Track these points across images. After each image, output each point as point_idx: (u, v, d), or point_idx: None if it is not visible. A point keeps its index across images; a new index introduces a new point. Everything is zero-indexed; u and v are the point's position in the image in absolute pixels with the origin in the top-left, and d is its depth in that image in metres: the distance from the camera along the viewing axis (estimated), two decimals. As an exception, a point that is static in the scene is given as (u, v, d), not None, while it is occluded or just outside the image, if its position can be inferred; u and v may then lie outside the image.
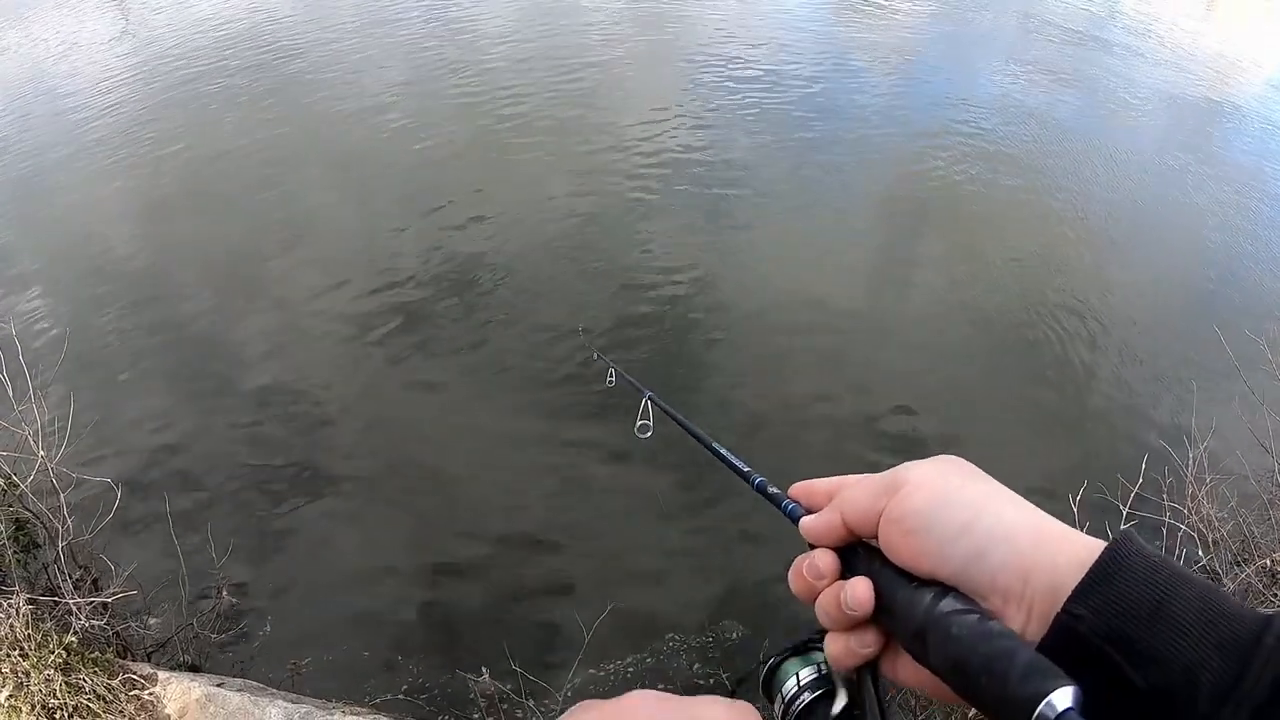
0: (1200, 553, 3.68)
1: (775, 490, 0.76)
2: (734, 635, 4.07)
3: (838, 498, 0.62)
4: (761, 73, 10.35)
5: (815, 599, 0.60)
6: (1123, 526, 3.51)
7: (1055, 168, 8.58)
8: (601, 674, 3.92)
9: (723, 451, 1.00)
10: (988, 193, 8.05)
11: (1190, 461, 3.72)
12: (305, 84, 10.36)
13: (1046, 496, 4.44)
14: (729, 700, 0.56)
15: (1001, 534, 0.53)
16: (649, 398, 1.69)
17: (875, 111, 9.55)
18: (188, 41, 12.18)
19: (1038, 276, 6.81)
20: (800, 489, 0.70)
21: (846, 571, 0.60)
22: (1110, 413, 5.46)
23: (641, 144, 8.48)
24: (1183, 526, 3.69)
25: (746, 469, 0.89)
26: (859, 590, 0.56)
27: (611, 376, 2.33)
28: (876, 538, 0.58)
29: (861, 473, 0.63)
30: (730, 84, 10.02)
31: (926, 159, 8.51)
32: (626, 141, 8.52)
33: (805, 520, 0.63)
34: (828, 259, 6.93)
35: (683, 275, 6.63)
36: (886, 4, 13.46)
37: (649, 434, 1.72)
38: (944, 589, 0.54)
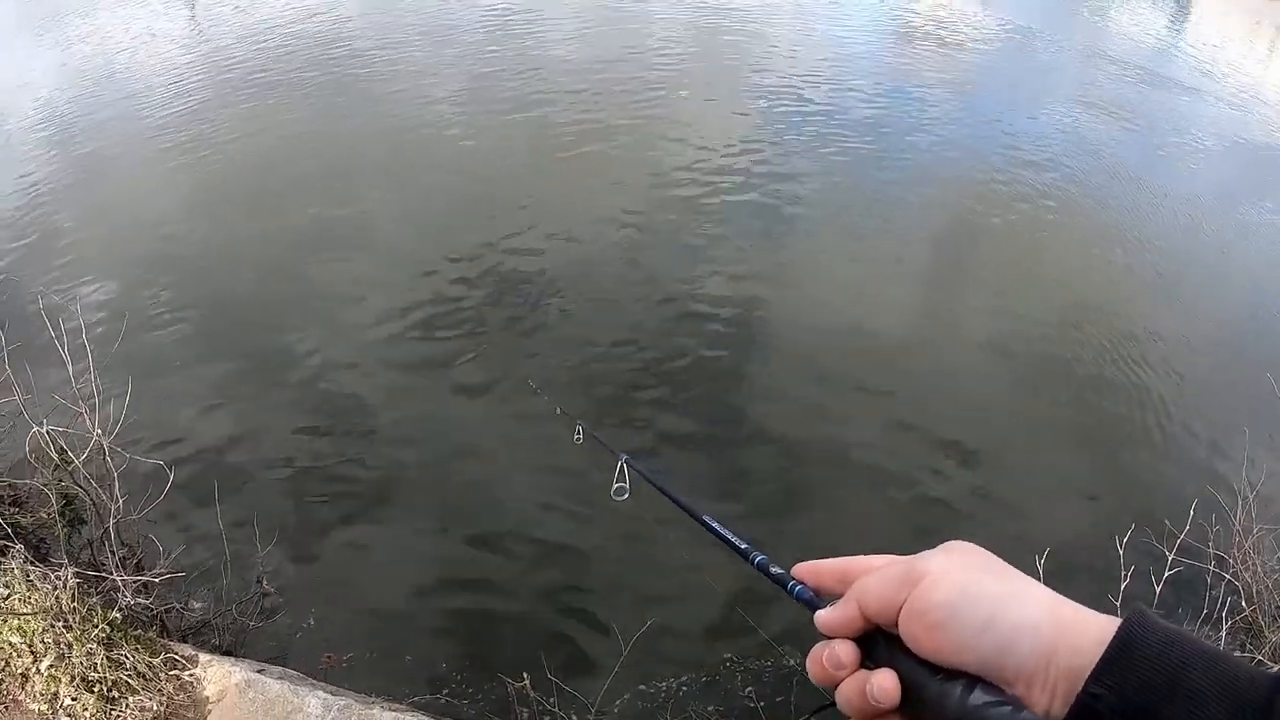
0: (1244, 604, 3.69)
1: (778, 570, 0.74)
2: (790, 663, 4.03)
3: (855, 588, 0.62)
4: (823, 99, 10.45)
5: (835, 687, 0.61)
6: (1167, 573, 3.53)
7: (1116, 208, 8.56)
8: (639, 689, 3.91)
9: (716, 526, 0.90)
10: (1045, 231, 8.04)
11: (1239, 511, 3.75)
12: (372, 87, 10.57)
13: (1093, 540, 4.49)
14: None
15: (1027, 625, 0.54)
16: (624, 461, 1.59)
17: (935, 144, 9.57)
18: (256, 38, 12.48)
19: (1093, 318, 6.79)
20: (805, 570, 0.70)
21: (867, 660, 0.61)
22: (1161, 458, 5.47)
23: (699, 167, 8.59)
24: (1226, 576, 3.70)
25: (744, 546, 0.83)
26: (885, 683, 0.57)
27: (579, 434, 2.21)
28: (894, 627, 0.59)
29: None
30: (791, 110, 10.13)
31: (985, 193, 8.52)
32: (684, 164, 8.63)
33: (822, 615, 0.64)
34: (880, 292, 6.96)
35: (732, 303, 6.67)
36: (948, 37, 13.62)
37: (625, 496, 1.62)
38: (972, 680, 0.55)
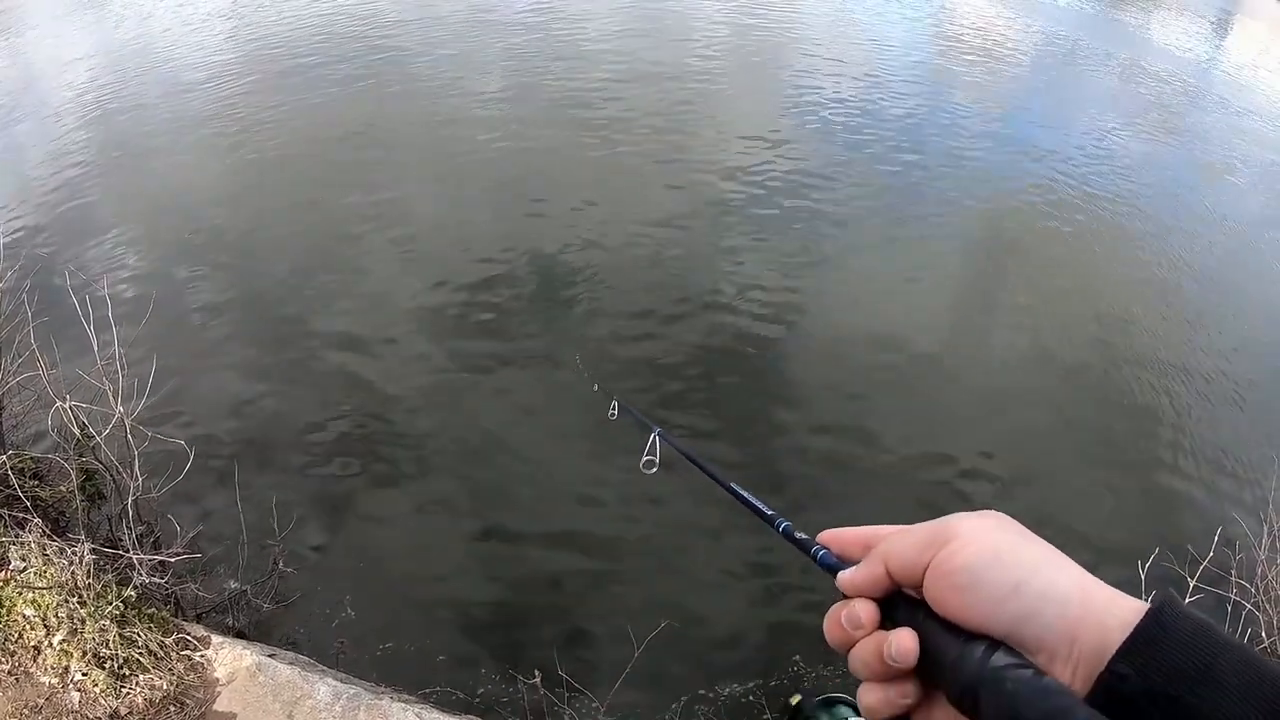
0: (1264, 635, 3.65)
1: (803, 536, 0.73)
2: (798, 667, 4.02)
3: (880, 548, 0.61)
4: (862, 107, 10.49)
5: (850, 649, 0.60)
6: (1187, 600, 3.50)
7: (1152, 227, 8.48)
8: (649, 687, 3.90)
9: (744, 493, 0.93)
10: (1081, 245, 7.98)
11: (1264, 540, 3.72)
12: (414, 78, 10.65)
13: (1115, 561, 4.46)
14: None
15: (1054, 596, 0.53)
16: (658, 434, 1.60)
17: (973, 157, 9.56)
18: (299, 25, 12.61)
19: (1127, 336, 6.75)
20: (830, 536, 0.69)
21: (886, 622, 0.59)
22: (1188, 481, 5.42)
23: (735, 166, 8.62)
24: (1247, 605, 3.67)
25: (770, 512, 0.85)
26: (904, 642, 0.56)
27: (614, 410, 2.18)
28: (918, 588, 0.58)
29: (915, 521, 0.63)
30: (830, 118, 10.14)
31: (1022, 205, 8.49)
32: (720, 162, 8.66)
33: (845, 575, 0.62)
34: (912, 298, 6.95)
35: (764, 303, 6.68)
36: (990, 47, 13.56)
37: (654, 469, 1.62)
38: (994, 643, 0.53)
